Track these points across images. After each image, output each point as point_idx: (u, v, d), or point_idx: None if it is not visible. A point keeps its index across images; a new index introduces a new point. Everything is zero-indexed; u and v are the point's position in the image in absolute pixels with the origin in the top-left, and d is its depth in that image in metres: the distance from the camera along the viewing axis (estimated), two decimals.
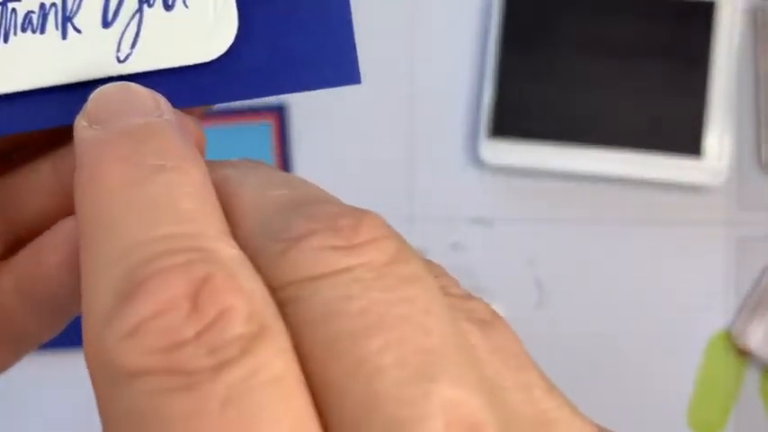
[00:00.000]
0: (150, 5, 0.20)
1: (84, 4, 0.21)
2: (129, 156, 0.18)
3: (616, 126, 0.63)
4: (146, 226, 0.17)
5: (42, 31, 0.21)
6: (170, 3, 0.20)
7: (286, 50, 0.21)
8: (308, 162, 0.64)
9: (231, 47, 0.21)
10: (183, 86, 0.21)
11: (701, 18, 0.63)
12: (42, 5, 0.21)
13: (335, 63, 0.21)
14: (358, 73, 0.21)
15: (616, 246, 0.64)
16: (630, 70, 0.63)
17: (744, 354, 0.62)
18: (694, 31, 0.63)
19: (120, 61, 0.20)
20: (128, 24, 0.20)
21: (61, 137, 0.22)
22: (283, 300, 0.17)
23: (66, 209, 0.22)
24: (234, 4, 0.21)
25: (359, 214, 0.17)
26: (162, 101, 0.20)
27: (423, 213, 0.64)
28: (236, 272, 0.16)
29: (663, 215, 0.64)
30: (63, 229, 0.22)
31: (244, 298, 0.16)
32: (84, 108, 0.19)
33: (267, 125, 0.65)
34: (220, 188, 0.19)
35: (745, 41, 0.64)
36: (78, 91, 0.20)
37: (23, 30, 0.21)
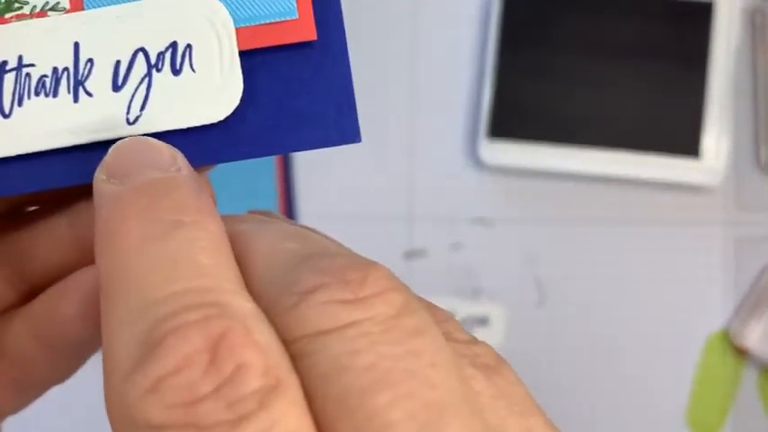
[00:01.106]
0: (159, 70, 0.21)
1: (95, 68, 0.21)
2: (148, 211, 0.18)
3: (615, 126, 0.63)
4: (165, 282, 0.17)
5: (55, 95, 0.21)
6: (178, 67, 0.21)
7: (289, 112, 0.21)
8: (308, 162, 0.64)
9: (237, 109, 0.21)
10: (190, 146, 0.21)
11: (699, 18, 0.63)
12: (55, 69, 0.21)
13: (337, 124, 0.22)
14: (358, 132, 0.22)
15: (615, 246, 0.64)
16: (629, 70, 0.63)
17: (742, 353, 0.62)
18: (692, 31, 0.63)
19: (129, 123, 0.21)
20: (137, 88, 0.21)
21: (74, 193, 0.22)
22: (295, 353, 0.17)
23: (81, 260, 0.23)
24: (239, 69, 0.21)
25: (366, 267, 0.18)
26: (179, 155, 0.20)
27: (423, 213, 0.64)
28: (252, 326, 0.17)
29: (661, 215, 0.64)
30: (77, 282, 0.23)
31: (260, 352, 0.16)
32: (103, 161, 0.20)
33: None
34: (236, 242, 0.19)
35: (744, 42, 0.64)
36: (90, 152, 0.21)
37: (37, 93, 0.21)
